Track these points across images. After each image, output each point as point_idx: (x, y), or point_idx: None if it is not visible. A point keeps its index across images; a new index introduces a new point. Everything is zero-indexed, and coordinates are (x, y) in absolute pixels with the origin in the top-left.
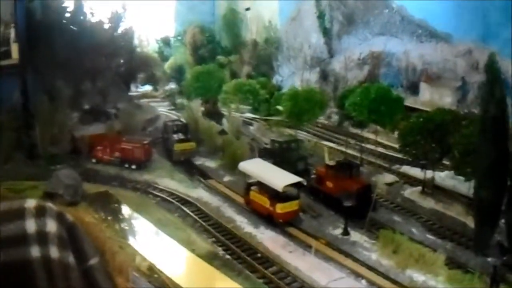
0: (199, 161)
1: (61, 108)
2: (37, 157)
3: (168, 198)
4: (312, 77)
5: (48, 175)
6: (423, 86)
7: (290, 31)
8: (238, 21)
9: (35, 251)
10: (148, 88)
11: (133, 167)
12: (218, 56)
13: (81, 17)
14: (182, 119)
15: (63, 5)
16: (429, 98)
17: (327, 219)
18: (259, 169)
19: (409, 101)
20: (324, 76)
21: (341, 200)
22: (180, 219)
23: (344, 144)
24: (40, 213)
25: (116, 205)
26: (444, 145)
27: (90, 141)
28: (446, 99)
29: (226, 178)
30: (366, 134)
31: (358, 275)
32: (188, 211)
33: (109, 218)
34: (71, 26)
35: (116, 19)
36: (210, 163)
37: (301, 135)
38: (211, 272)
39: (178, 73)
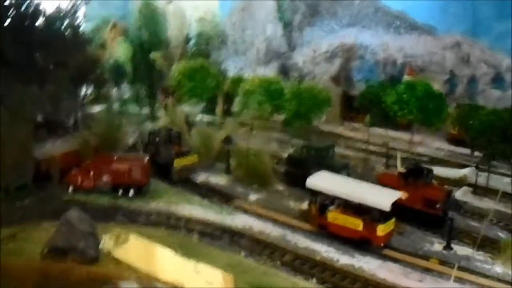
0: (201, 177)
1: (20, 121)
2: None
3: (206, 231)
4: (267, 73)
5: (20, 215)
6: (406, 80)
7: (237, 23)
8: (157, 15)
9: None
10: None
11: (131, 193)
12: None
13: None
14: (172, 127)
15: None
16: None
17: (412, 234)
18: (340, 185)
19: None
20: (284, 71)
21: (431, 211)
22: (252, 260)
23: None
24: None
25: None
26: None
27: (60, 163)
28: None
29: (253, 197)
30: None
31: None
32: (251, 247)
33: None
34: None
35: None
36: (217, 179)
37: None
38: None
39: (116, 74)
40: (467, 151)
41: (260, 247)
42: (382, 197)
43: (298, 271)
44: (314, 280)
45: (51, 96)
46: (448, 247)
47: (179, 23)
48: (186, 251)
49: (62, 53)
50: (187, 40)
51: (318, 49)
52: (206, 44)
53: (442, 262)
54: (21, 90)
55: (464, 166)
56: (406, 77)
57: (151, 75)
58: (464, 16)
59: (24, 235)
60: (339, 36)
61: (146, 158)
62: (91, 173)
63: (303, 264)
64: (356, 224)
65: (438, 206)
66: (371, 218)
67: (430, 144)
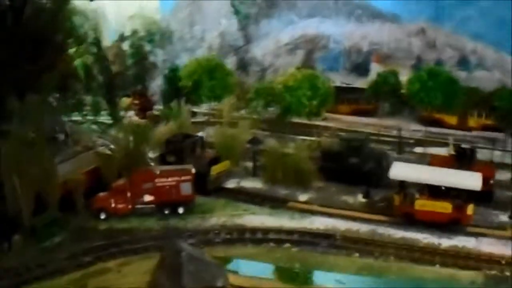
0: (231, 183)
1: (40, 141)
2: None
3: (296, 239)
4: None
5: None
6: (374, 67)
7: (184, 18)
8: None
9: None
10: None
11: (181, 210)
12: None
13: None
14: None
15: None
16: None
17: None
18: (424, 173)
19: (360, 83)
20: (242, 65)
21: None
22: (373, 259)
23: None
24: None
25: None
26: None
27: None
28: (401, 78)
29: (303, 197)
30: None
31: None
32: (355, 247)
33: None
34: None
35: None
36: (250, 183)
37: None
38: None
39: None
40: (440, 130)
41: (361, 245)
42: (469, 179)
43: (419, 261)
44: (437, 266)
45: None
46: None
47: (96, 22)
48: (308, 264)
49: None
50: (122, 39)
51: (278, 42)
52: (150, 42)
53: None
54: (35, 102)
55: (445, 144)
56: (373, 65)
57: (109, 80)
58: (427, 3)
59: None
60: (300, 27)
61: (193, 170)
62: (128, 194)
63: (416, 253)
64: (446, 207)
65: (491, 182)
66: (461, 199)
67: (407, 127)
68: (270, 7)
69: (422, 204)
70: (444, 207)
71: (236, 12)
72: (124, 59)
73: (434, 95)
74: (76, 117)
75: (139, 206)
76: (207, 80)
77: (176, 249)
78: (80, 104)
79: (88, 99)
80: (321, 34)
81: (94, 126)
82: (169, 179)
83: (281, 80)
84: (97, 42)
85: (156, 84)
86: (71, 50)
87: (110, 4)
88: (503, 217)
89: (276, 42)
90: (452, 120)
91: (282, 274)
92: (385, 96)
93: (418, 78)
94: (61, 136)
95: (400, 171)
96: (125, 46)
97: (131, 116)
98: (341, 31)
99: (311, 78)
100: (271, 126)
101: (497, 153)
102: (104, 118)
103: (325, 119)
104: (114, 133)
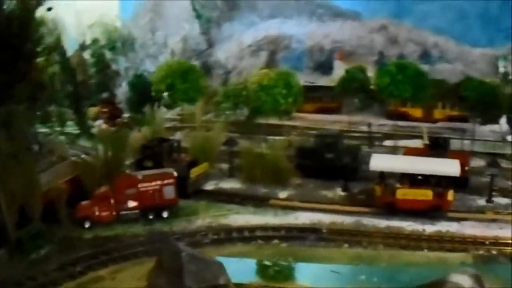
0: (210, 186)
1: (21, 153)
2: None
3: (283, 235)
4: None
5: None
6: (337, 65)
7: (145, 24)
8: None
9: None
10: None
11: (165, 214)
12: None
13: None
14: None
15: None
16: None
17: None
18: (404, 162)
19: (323, 81)
20: (206, 69)
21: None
22: (361, 249)
23: None
24: None
25: None
26: None
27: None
28: None
29: (283, 194)
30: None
31: None
32: (344, 239)
33: None
34: None
35: None
36: (228, 184)
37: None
38: None
39: None
40: (407, 123)
41: (348, 236)
42: (448, 166)
43: (407, 247)
44: (425, 250)
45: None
46: (489, 200)
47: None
48: (300, 258)
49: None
50: (82, 48)
51: (241, 44)
52: (112, 49)
53: (498, 213)
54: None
55: (412, 137)
56: (337, 62)
57: (75, 89)
58: (387, 0)
59: None
60: (262, 29)
61: (175, 173)
62: (111, 201)
63: (403, 240)
64: (427, 194)
65: (466, 168)
66: (441, 186)
67: (374, 122)
68: (231, 10)
69: (404, 193)
70: (425, 194)
71: (198, 16)
72: (86, 68)
73: (404, 88)
74: (43, 129)
75: (123, 212)
76: (180, 83)
77: (175, 250)
78: (47, 115)
79: (53, 109)
80: (284, 35)
81: (61, 137)
82: (152, 184)
83: (256, 80)
84: (62, 51)
85: (121, 92)
86: (41, 59)
87: (69, 14)
88: (481, 201)
89: (239, 44)
90: (417, 113)
91: (276, 269)
92: (354, 92)
93: (387, 72)
94: (35, 147)
95: (380, 162)
96: (87, 55)
97: (100, 124)
98: (303, 31)
99: (286, 76)
100: (239, 128)
101: (466, 142)
102: (71, 128)
103: (291, 118)
104: (91, 142)
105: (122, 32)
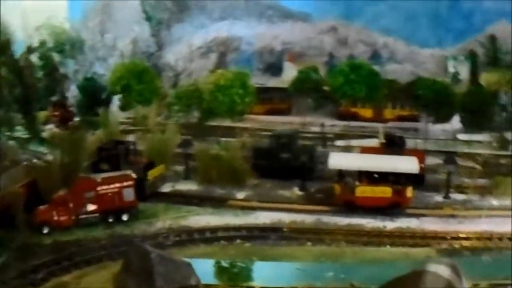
0: (166, 188)
1: None
2: None
3: (245, 235)
4: None
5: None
6: (287, 66)
7: (95, 26)
8: None
9: None
10: None
11: (125, 217)
12: None
13: None
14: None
15: None
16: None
17: None
18: (362, 160)
19: (273, 82)
20: (156, 71)
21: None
22: (325, 246)
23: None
24: None
25: None
26: None
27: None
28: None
29: (241, 195)
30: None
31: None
32: (306, 237)
33: None
34: None
35: None
36: (184, 186)
37: None
38: None
39: None
40: (358, 123)
41: (310, 234)
42: (406, 163)
43: (370, 244)
44: (388, 246)
45: None
46: (447, 196)
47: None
48: (265, 257)
49: None
50: (29, 50)
51: (191, 46)
52: (60, 52)
53: (455, 209)
54: None
55: (363, 136)
56: (286, 64)
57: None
58: (337, 2)
59: None
60: (212, 30)
61: (134, 176)
62: (70, 205)
63: (365, 237)
64: (386, 191)
65: (422, 166)
66: (400, 183)
67: (324, 123)
68: (181, 11)
69: (363, 191)
70: (384, 191)
71: (148, 18)
72: (33, 71)
73: (358, 87)
74: None
75: (82, 216)
76: (136, 84)
77: (143, 252)
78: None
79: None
80: (233, 36)
81: (11, 142)
82: (111, 186)
83: (212, 80)
84: (10, 52)
85: (71, 95)
86: None
87: (15, 16)
88: (438, 198)
89: (188, 46)
90: (368, 113)
91: (241, 268)
92: (308, 92)
93: (341, 72)
94: None
95: (339, 160)
96: (34, 58)
97: (51, 128)
98: (252, 33)
99: (242, 76)
100: (190, 130)
101: (419, 141)
102: (21, 133)
103: (242, 120)
104: (43, 146)
105: (70, 34)
